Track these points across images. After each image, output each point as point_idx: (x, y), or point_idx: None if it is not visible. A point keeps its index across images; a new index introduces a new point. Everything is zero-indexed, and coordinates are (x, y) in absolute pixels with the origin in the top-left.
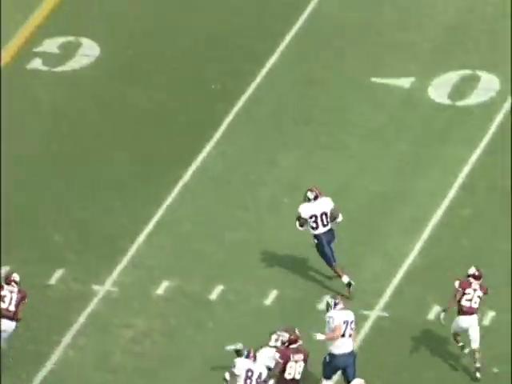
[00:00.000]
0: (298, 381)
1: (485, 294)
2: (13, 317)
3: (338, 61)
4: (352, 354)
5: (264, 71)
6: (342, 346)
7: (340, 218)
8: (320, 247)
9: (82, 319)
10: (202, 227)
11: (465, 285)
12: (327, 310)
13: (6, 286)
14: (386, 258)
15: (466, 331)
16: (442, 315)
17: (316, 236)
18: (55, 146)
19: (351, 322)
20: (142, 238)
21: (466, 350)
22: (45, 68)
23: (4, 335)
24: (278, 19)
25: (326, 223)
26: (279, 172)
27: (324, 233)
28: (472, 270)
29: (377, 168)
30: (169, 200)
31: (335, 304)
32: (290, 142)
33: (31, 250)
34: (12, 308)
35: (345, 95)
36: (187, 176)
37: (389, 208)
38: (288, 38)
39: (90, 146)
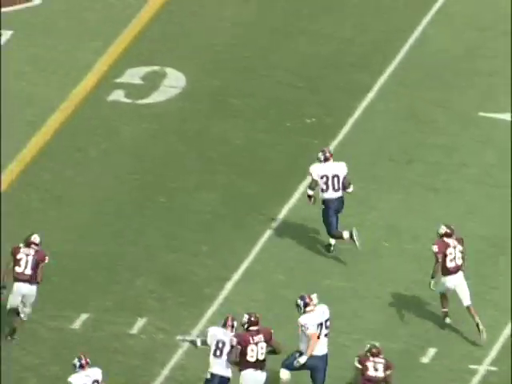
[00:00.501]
0: (262, 361)
1: (462, 245)
2: (31, 280)
3: (442, 94)
4: (324, 358)
5: (362, 106)
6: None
7: (351, 189)
8: (326, 214)
9: (165, 372)
10: (294, 274)
11: (442, 247)
12: (298, 311)
13: (22, 249)
14: (494, 309)
15: (452, 290)
16: (432, 282)
17: (324, 201)
18: (137, 184)
19: (326, 321)
20: (230, 284)
21: (448, 320)
22: (127, 100)
23: (25, 299)
24: (378, 52)
25: (337, 188)
26: (378, 214)
27: (333, 199)
28: (443, 229)
29: (485, 210)
30: (259, 244)
31: (305, 305)
32: (390, 182)
33: (111, 297)
34: (28, 271)
35: (450, 131)
36: (279, 218)
37: (498, 254)
38: (389, 71)
39: (175, 184)
